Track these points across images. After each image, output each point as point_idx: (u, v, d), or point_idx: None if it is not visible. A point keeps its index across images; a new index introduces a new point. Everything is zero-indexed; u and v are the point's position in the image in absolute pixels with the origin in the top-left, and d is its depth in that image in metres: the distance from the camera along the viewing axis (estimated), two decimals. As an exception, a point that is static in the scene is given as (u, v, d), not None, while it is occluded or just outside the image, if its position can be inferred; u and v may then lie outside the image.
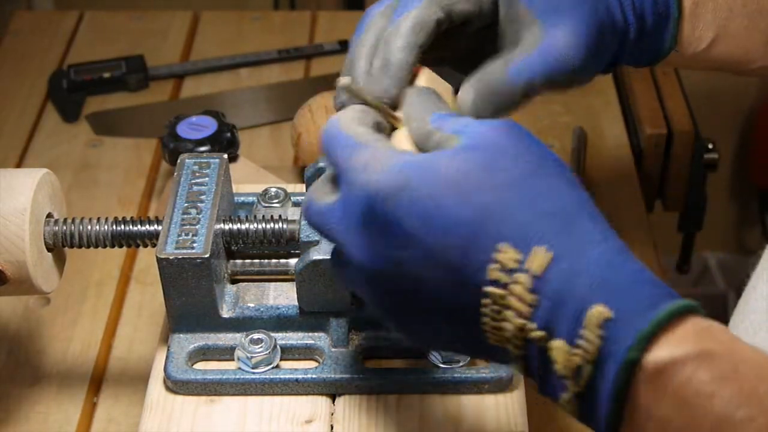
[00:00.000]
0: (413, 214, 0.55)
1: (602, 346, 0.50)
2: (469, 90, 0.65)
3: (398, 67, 0.65)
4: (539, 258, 0.52)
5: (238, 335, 0.72)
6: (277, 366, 0.71)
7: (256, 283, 0.75)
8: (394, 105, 0.64)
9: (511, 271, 0.53)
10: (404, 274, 0.56)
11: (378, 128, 0.61)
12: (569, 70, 0.67)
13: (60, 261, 0.76)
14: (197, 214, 0.72)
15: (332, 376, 0.71)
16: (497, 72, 0.66)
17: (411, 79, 0.67)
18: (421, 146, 0.59)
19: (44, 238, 0.72)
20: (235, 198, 0.80)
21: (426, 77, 0.67)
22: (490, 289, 0.53)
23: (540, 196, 0.54)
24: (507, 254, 0.53)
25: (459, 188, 0.54)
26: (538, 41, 0.67)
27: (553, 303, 0.52)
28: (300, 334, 0.73)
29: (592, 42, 0.68)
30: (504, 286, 0.53)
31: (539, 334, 0.52)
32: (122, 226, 0.74)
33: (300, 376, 0.71)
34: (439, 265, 0.54)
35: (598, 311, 0.51)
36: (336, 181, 0.60)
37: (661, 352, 0.49)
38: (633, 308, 0.51)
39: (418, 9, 0.65)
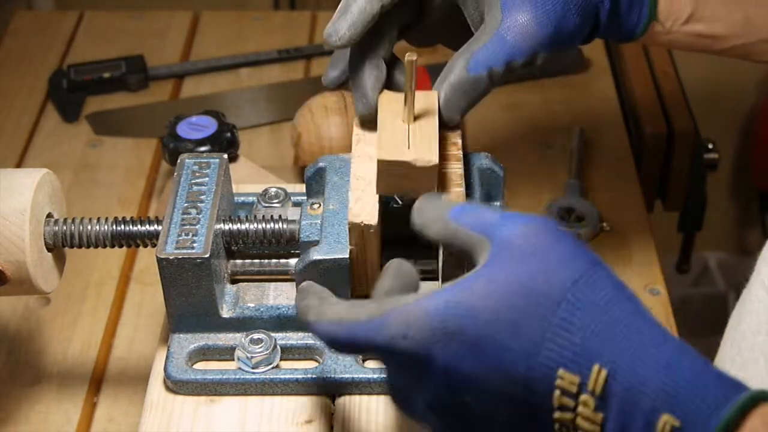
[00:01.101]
0: (468, 359, 0.54)
1: None
2: (438, 92, 0.67)
3: (357, 12, 0.68)
4: (597, 377, 0.52)
5: (238, 335, 0.72)
6: (277, 366, 0.71)
7: (256, 283, 0.75)
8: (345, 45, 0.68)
9: (575, 396, 0.53)
10: (472, 414, 0.56)
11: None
12: (528, 51, 0.68)
13: (60, 261, 0.76)
14: (197, 214, 0.72)
15: (332, 376, 0.71)
16: (459, 69, 0.68)
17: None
18: (448, 246, 0.59)
19: (44, 238, 0.72)
20: (235, 198, 0.80)
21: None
22: (558, 415, 0.54)
23: (587, 311, 0.53)
24: (566, 380, 0.53)
25: (505, 322, 0.53)
26: (497, 24, 0.68)
27: (621, 419, 0.52)
28: (300, 334, 0.73)
29: (555, 19, 0.69)
30: (571, 410, 0.53)
31: None
32: (122, 226, 0.74)
33: (300, 376, 0.71)
34: (504, 401, 0.55)
35: (664, 421, 0.51)
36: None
37: None
38: (699, 412, 0.50)
39: None
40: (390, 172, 0.66)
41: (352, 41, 0.69)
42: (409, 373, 0.57)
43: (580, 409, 0.53)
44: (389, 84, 0.74)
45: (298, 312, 0.60)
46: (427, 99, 0.70)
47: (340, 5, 0.69)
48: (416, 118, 0.69)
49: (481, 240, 0.56)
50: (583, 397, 0.52)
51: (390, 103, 0.71)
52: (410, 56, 0.66)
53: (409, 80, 0.67)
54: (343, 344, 0.58)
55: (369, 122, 0.72)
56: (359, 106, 0.72)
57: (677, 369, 0.51)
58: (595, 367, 0.52)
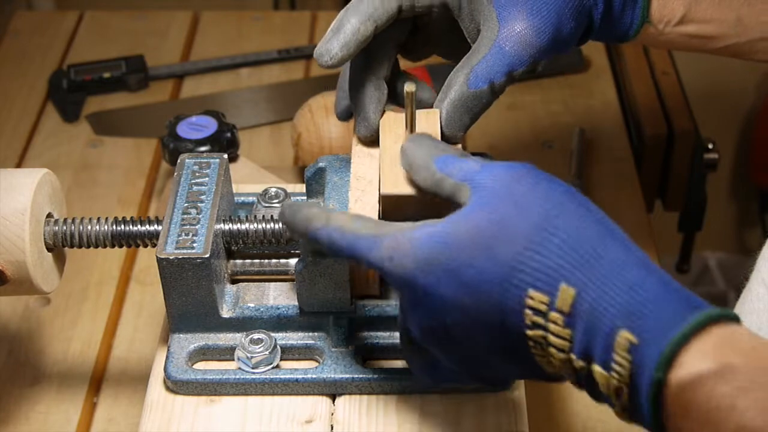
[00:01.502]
0: (447, 284, 0.58)
1: (633, 370, 0.53)
2: (440, 110, 0.69)
3: (350, 32, 0.68)
4: (564, 296, 0.55)
5: (238, 335, 0.72)
6: (277, 366, 0.71)
7: (256, 283, 0.75)
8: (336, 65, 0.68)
9: (544, 314, 0.56)
10: (456, 336, 0.60)
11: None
12: (528, 60, 0.69)
13: (60, 261, 0.76)
14: (197, 214, 0.72)
15: (332, 376, 0.71)
16: (459, 85, 0.70)
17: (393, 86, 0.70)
18: (434, 194, 0.63)
19: (44, 238, 0.72)
20: (235, 198, 0.80)
21: (423, 118, 0.69)
22: (530, 332, 0.57)
23: (557, 235, 0.57)
24: (536, 299, 0.56)
25: (481, 249, 0.57)
26: (494, 35, 0.69)
27: (586, 334, 0.55)
28: (300, 334, 0.73)
29: (551, 26, 0.69)
30: (542, 327, 0.56)
31: (580, 363, 0.56)
32: (122, 226, 0.74)
33: (300, 376, 0.71)
34: (481, 321, 0.58)
35: (624, 337, 0.53)
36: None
37: (682, 371, 0.51)
38: (655, 330, 0.52)
39: None
40: (394, 203, 0.67)
41: (344, 61, 0.69)
42: (402, 295, 0.62)
43: (550, 326, 0.56)
44: (392, 98, 0.74)
45: (293, 223, 0.64)
46: (429, 119, 0.70)
47: (333, 23, 0.69)
48: None
49: (464, 186, 0.61)
50: (552, 315, 0.56)
51: (391, 126, 0.71)
52: (409, 87, 0.66)
53: (409, 108, 0.68)
54: (340, 252, 0.62)
55: (371, 143, 0.72)
56: (361, 128, 0.72)
57: (641, 289, 0.54)
58: (563, 287, 0.55)
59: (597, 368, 0.55)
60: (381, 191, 0.67)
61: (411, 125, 0.68)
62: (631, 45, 1.26)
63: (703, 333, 0.52)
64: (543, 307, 0.56)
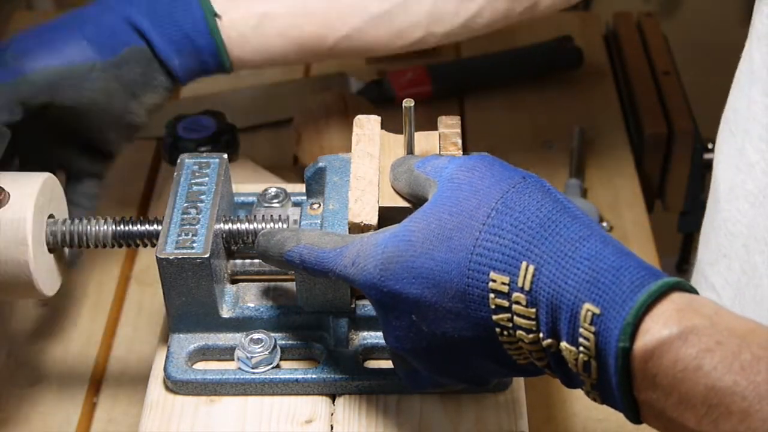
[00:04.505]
0: (408, 280, 0.59)
1: (598, 342, 0.53)
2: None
3: None
4: (525, 273, 0.55)
5: (238, 335, 0.72)
6: (277, 366, 0.71)
7: (256, 283, 0.75)
8: None
9: (507, 295, 0.56)
10: (424, 335, 0.60)
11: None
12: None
13: (61, 264, 0.76)
14: (197, 214, 0.72)
15: (332, 376, 0.71)
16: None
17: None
18: (415, 195, 0.65)
19: (46, 239, 0.72)
20: (235, 198, 0.80)
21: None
22: (495, 317, 0.57)
23: (513, 215, 0.57)
24: (497, 281, 0.56)
25: (441, 240, 0.58)
26: None
27: (550, 310, 0.55)
28: (300, 334, 0.73)
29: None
30: (507, 309, 0.56)
31: (548, 341, 0.55)
32: (122, 226, 0.74)
33: (300, 376, 0.71)
34: (446, 313, 0.58)
35: (586, 309, 0.53)
36: None
37: (647, 337, 0.51)
38: (616, 299, 0.53)
39: None
40: (392, 216, 0.67)
41: None
42: (371, 301, 0.62)
43: (514, 307, 0.56)
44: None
45: (267, 249, 0.67)
46: (428, 140, 0.71)
47: None
48: None
49: (432, 182, 0.63)
50: (515, 295, 0.56)
51: (391, 146, 0.71)
52: (407, 102, 0.67)
53: (407, 125, 0.68)
54: (311, 268, 0.64)
55: (372, 143, 0.73)
56: None
57: (599, 260, 0.54)
58: (523, 264, 0.55)
59: (564, 344, 0.55)
60: (379, 203, 0.68)
61: (409, 142, 0.69)
62: (632, 45, 1.27)
63: (664, 300, 0.52)
64: (505, 288, 0.56)
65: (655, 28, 1.29)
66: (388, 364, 0.72)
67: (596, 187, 1.11)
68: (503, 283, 0.56)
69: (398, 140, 0.71)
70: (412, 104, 0.67)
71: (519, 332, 0.56)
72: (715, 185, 0.81)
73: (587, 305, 0.53)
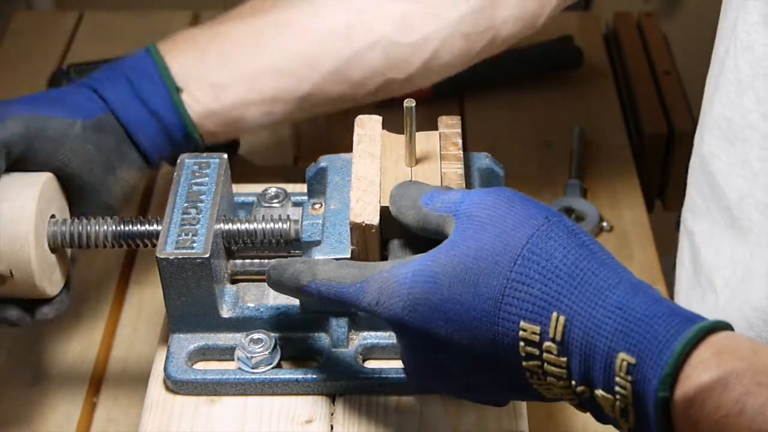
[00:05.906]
0: (437, 322, 0.58)
1: (636, 390, 0.53)
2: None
3: None
4: (555, 324, 0.55)
5: (238, 335, 0.72)
6: (277, 366, 0.71)
7: (256, 283, 0.75)
8: None
9: (538, 344, 0.56)
10: (452, 371, 0.60)
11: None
12: None
13: (62, 263, 0.76)
14: (197, 214, 0.72)
15: (332, 376, 0.71)
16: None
17: None
18: (426, 231, 0.63)
19: (47, 239, 0.72)
20: (235, 198, 0.80)
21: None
22: (526, 364, 0.57)
23: (540, 263, 0.56)
24: (528, 331, 0.56)
25: (467, 285, 0.57)
26: None
27: (583, 360, 0.55)
28: (300, 334, 0.73)
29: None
30: (538, 357, 0.56)
31: (581, 389, 0.55)
32: (122, 226, 0.74)
33: (300, 376, 0.71)
34: (476, 356, 0.58)
35: (621, 359, 0.53)
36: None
37: (686, 385, 0.51)
38: (651, 348, 0.52)
39: None
40: (392, 216, 0.67)
41: None
42: (395, 334, 0.62)
43: (545, 355, 0.56)
44: None
45: (281, 283, 0.65)
46: (429, 140, 0.71)
47: None
48: (419, 160, 0.70)
49: (447, 218, 0.61)
50: (546, 344, 0.55)
51: (392, 146, 0.71)
52: (408, 102, 0.67)
53: (408, 126, 0.68)
54: (332, 303, 0.63)
55: (372, 143, 0.72)
56: None
57: (630, 309, 0.54)
58: (554, 315, 0.55)
59: (600, 392, 0.54)
60: (381, 203, 0.67)
61: (411, 141, 0.69)
62: (632, 44, 1.27)
63: (701, 345, 0.51)
64: (536, 338, 0.55)
65: (655, 28, 1.29)
66: (388, 364, 0.72)
67: (596, 187, 1.11)
68: (534, 333, 0.55)
69: (399, 140, 0.71)
70: (414, 104, 0.67)
71: (550, 378, 0.56)
72: (719, 190, 0.80)
73: (622, 355, 0.53)
